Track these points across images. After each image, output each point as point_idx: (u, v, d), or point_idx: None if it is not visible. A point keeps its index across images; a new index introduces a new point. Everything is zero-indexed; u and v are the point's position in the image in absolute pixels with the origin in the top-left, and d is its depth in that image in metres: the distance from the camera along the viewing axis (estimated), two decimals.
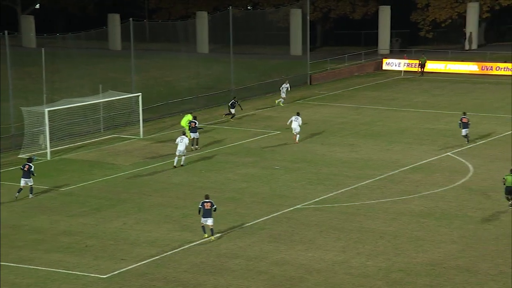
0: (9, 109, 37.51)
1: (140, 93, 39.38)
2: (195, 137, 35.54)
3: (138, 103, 39.11)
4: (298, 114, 37.03)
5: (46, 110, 35.02)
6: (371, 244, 23.75)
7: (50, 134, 35.19)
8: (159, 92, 49.72)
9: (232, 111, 40.57)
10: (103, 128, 39.52)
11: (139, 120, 38.93)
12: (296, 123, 36.33)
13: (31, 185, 28.74)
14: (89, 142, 37.30)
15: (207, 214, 24.21)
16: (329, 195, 28.83)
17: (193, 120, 35.69)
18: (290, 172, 32.00)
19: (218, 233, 24.78)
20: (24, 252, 23.54)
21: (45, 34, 53.86)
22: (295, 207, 27.49)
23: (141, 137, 38.63)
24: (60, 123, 37.00)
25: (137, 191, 29.79)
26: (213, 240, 24.17)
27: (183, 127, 36.50)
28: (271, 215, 26.57)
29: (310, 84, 53.98)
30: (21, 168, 28.99)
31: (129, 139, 38.01)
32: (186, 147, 32.69)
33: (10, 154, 35.72)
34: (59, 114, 36.66)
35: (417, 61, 57.04)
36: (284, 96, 45.78)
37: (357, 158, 33.96)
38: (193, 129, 35.47)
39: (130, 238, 24.57)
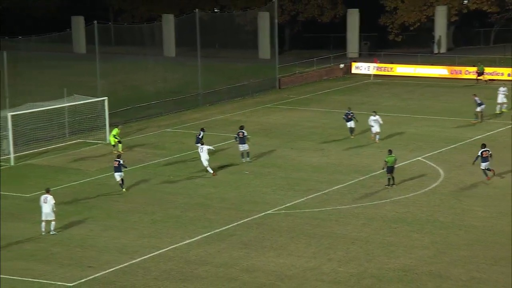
0: None
1: (106, 97, 39.11)
2: (244, 149, 33.44)
3: (104, 108, 38.80)
4: (375, 112, 36.87)
5: (9, 114, 34.56)
6: (342, 250, 23.89)
7: (13, 139, 34.71)
8: (125, 96, 49.38)
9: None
10: (68, 133, 39.14)
11: (105, 125, 38.62)
12: (375, 123, 36.34)
13: (121, 178, 29.52)
14: (54, 147, 36.88)
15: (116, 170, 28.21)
16: (299, 200, 28.92)
17: (241, 130, 33.50)
18: (260, 177, 32.02)
19: (187, 238, 24.68)
20: None
21: (6, 37, 53.11)
22: (266, 212, 27.52)
23: (107, 142, 38.33)
24: (24, 127, 36.52)
25: (104, 197, 29.55)
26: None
27: (111, 144, 34.45)
28: (241, 221, 26.56)
29: (279, 88, 54.15)
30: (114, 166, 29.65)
31: (95, 144, 37.67)
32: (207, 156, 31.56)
33: None
34: (23, 118, 36.20)
35: (387, 65, 57.66)
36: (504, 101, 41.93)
37: (327, 163, 34.13)
38: (241, 140, 33.42)
39: (98, 245, 24.36)
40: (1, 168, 33.72)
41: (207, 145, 32.75)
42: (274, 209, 27.87)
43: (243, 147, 34.14)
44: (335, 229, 25.70)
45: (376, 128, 36.97)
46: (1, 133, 35.26)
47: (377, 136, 36.92)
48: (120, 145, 35.02)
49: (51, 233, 25.24)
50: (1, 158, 34.60)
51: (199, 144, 32.83)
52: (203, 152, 32.02)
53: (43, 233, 25.17)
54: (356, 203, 28.39)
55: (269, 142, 38.27)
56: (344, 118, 38.30)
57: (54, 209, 25.41)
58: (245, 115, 45.21)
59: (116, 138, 35.23)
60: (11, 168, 33.92)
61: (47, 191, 25.63)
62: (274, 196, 29.44)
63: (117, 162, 30.17)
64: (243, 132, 34.19)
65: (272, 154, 35.86)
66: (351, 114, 38.02)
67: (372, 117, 37.09)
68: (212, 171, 32.02)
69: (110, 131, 36.06)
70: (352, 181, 31.13)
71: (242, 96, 50.61)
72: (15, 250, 23.89)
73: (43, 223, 25.30)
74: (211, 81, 52.12)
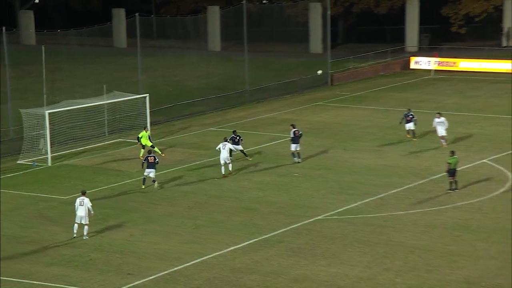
0: (7, 111, 37.77)
1: (147, 94, 39.52)
2: (297, 149, 33.64)
3: (145, 105, 39.22)
4: (439, 114, 35.94)
5: (47, 112, 35.21)
6: (400, 259, 23.62)
7: (51, 138, 35.36)
8: (167, 92, 49.86)
9: (239, 148, 34.12)
10: (108, 132, 39.66)
11: (146, 123, 39.02)
12: (439, 125, 35.56)
13: (154, 176, 30.38)
14: (92, 147, 37.44)
15: (151, 166, 29.41)
16: (353, 205, 28.73)
17: (297, 129, 33.83)
18: (310, 180, 31.93)
19: (233, 245, 24.74)
20: (23, 265, 23.66)
21: (45, 31, 54.22)
22: (316, 218, 27.43)
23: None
24: (62, 126, 37.18)
25: (145, 200, 29.86)
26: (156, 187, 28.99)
27: (147, 146, 34.25)
28: (290, 227, 26.51)
29: (331, 84, 53.89)
30: (144, 161, 30.65)
31: (136, 143, 38.06)
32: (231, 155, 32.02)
33: (8, 159, 35.92)
34: (61, 116, 36.84)
35: (449, 59, 56.74)
36: None
37: (383, 165, 33.80)
38: (296, 139, 33.58)
39: (138, 251, 24.61)
40: (36, 168, 34.41)
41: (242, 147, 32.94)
42: (325, 214, 27.75)
43: (296, 147, 34.06)
44: (392, 236, 25.43)
45: (441, 131, 35.74)
46: (38, 132, 35.96)
47: (443, 141, 35.78)
48: (142, 150, 34.87)
49: (84, 237, 25.55)
50: (38, 158, 35.29)
51: (224, 142, 32.44)
52: (224, 150, 32.10)
53: (74, 236, 25.53)
54: (414, 209, 28.04)
55: (320, 142, 38.11)
56: (402, 119, 37.66)
57: (92, 212, 25.72)
58: (294, 113, 45.13)
59: (140, 142, 34.89)
60: (48, 169, 34.59)
61: (83, 193, 26.01)
62: (325, 201, 29.31)
63: (153, 158, 30.71)
64: (299, 130, 34.10)
65: (323, 155, 35.71)
66: (411, 116, 37.20)
67: (436, 119, 35.98)
68: (223, 172, 31.94)
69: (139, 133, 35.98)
70: (410, 185, 30.75)
71: (292, 93, 50.53)
72: (52, 255, 24.33)
73: (76, 225, 25.64)
74: (259, 77, 52.18)
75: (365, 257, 23.83)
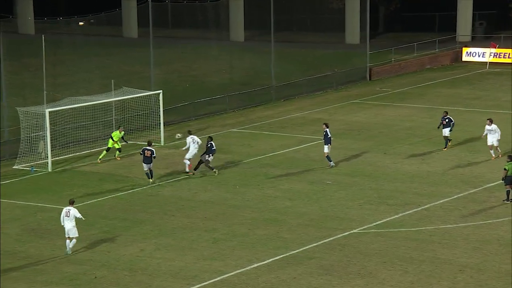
0: (2, 110, 38.23)
1: (161, 90, 39.81)
2: (326, 151, 33.96)
3: (158, 103, 39.49)
4: (490, 121, 34.69)
5: (47, 110, 35.58)
6: (448, 279, 23.52)
7: (51, 140, 35.73)
8: (183, 89, 50.14)
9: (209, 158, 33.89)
10: None
11: (159, 124, 39.29)
12: (491, 136, 34.41)
13: (150, 169, 32.25)
14: (98, 150, 37.76)
15: (147, 160, 31.43)
16: (394, 217, 28.66)
17: (328, 128, 33.92)
18: (345, 188, 31.92)
19: (256, 262, 24.80)
20: (20, 285, 23.91)
21: (45, 18, 54.83)
22: (351, 231, 27.41)
23: (162, 144, 38.99)
24: (64, 126, 37.58)
25: (158, 210, 30.05)
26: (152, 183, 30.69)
27: (113, 147, 35.52)
28: (322, 241, 26.52)
29: (370, 79, 53.88)
30: (141, 153, 32.54)
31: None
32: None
33: (3, 164, 36.37)
34: (63, 115, 37.24)
35: (507, 50, 56.28)
36: None
37: (429, 172, 33.68)
38: (328, 140, 33.83)
39: (149, 268, 24.77)
40: (35, 174, 34.76)
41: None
42: (361, 228, 27.70)
43: (329, 149, 34.11)
44: (439, 253, 25.33)
45: (491, 140, 34.59)
46: (37, 133, 36.35)
47: (491, 151, 34.64)
48: (117, 152, 35.62)
49: (66, 251, 25.67)
50: (37, 162, 35.69)
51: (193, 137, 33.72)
52: (194, 145, 33.41)
53: (68, 252, 25.64)
54: (465, 222, 27.90)
55: (357, 145, 38.06)
56: (440, 123, 36.69)
57: (83, 218, 25.87)
58: (327, 112, 45.14)
59: (114, 142, 35.58)
60: (48, 175, 34.97)
61: (71, 203, 26.16)
62: (361, 212, 29.27)
63: (150, 152, 32.04)
64: (328, 131, 34.15)
65: (360, 160, 35.65)
66: (447, 120, 36.36)
67: (487, 127, 35.11)
68: (187, 169, 33.22)
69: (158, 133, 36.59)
70: (460, 194, 30.62)
71: (324, 90, 50.58)
72: (52, 273, 24.58)
73: (68, 241, 25.82)
74: (287, 71, 52.28)
75: (408, 276, 23.74)
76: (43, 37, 38.06)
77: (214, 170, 33.71)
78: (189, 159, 33.86)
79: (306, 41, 63.82)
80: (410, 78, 53.85)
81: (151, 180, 32.52)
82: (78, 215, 25.86)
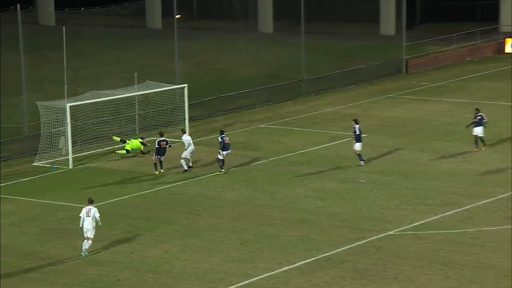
0: (22, 104, 38.47)
1: (186, 84, 39.85)
2: (360, 149, 33.97)
3: (183, 97, 39.53)
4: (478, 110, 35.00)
5: (68, 105, 35.77)
6: (491, 284, 23.33)
7: (72, 135, 35.90)
8: (209, 82, 50.18)
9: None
10: (139, 129, 40.11)
11: (184, 119, 39.34)
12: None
13: (161, 160, 33.32)
14: (121, 146, 37.86)
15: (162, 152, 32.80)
16: (432, 218, 28.46)
17: (357, 125, 34.00)
18: (380, 188, 31.77)
19: (286, 264, 24.72)
20: (40, 286, 24.05)
21: (66, 9, 55.11)
22: (387, 233, 27.26)
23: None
24: (85, 122, 37.75)
25: (183, 209, 30.09)
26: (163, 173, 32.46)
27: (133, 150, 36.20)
28: (356, 243, 26.41)
29: (406, 72, 53.55)
30: (156, 146, 33.52)
31: (172, 143, 38.32)
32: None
33: (23, 161, 36.65)
34: (84, 110, 37.41)
35: None
36: None
37: (470, 170, 33.43)
38: (358, 137, 33.62)
39: (174, 271, 24.79)
40: (56, 171, 34.97)
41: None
42: (398, 229, 27.54)
43: (360, 146, 33.96)
44: (481, 257, 25.10)
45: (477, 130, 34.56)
46: (57, 129, 36.54)
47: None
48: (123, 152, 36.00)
49: (82, 254, 25.78)
50: (58, 159, 35.88)
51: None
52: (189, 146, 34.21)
53: (81, 254, 25.70)
54: (509, 224, 27.66)
55: (392, 142, 37.83)
56: (472, 122, 36.02)
57: (100, 223, 26.00)
58: (361, 107, 44.93)
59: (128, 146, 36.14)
60: (69, 172, 35.14)
61: (91, 202, 26.27)
62: (398, 212, 29.09)
63: (165, 142, 33.33)
64: (357, 128, 34.01)
65: (396, 158, 35.46)
66: (480, 117, 35.77)
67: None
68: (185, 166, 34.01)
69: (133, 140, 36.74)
70: (504, 195, 30.36)
71: (358, 83, 50.33)
72: (74, 275, 24.69)
73: (85, 242, 25.90)
74: (318, 64, 52.11)
75: (448, 281, 23.55)
76: (63, 28, 38.17)
77: (222, 169, 33.59)
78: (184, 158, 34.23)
79: (338, 32, 63.59)
80: (449, 71, 53.43)
81: (162, 171, 33.43)
82: (97, 215, 25.92)
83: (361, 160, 34.19)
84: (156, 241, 27.06)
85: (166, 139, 34.05)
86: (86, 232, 25.83)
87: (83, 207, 26.39)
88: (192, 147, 34.39)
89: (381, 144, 37.46)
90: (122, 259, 25.66)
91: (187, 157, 34.26)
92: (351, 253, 25.71)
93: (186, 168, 34.12)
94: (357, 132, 34.10)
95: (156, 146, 33.81)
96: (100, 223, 26.06)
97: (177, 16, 43.31)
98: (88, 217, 25.85)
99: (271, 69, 52.61)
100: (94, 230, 25.87)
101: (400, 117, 42.53)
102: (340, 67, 51.70)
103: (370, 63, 51.74)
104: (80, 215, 26.07)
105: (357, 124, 34.32)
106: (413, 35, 58.47)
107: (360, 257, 25.38)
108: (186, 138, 34.62)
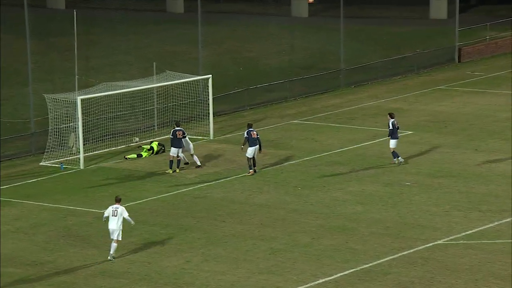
0: (28, 97, 38.82)
1: (210, 75, 40.00)
2: (392, 146, 34.28)
3: (207, 89, 39.69)
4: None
5: (79, 98, 36.02)
6: None
7: (84, 132, 36.17)
8: (237, 73, 50.32)
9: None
10: (158, 125, 40.34)
11: (208, 114, 39.48)
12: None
13: (179, 159, 34.01)
14: (137, 144, 38.12)
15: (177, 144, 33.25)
16: (487, 226, 28.37)
17: (393, 119, 34.27)
18: (428, 191, 31.72)
19: (321, 276, 24.78)
20: None
21: None
22: (436, 242, 27.21)
23: (211, 137, 39.19)
24: (98, 117, 38.00)
25: (206, 214, 30.23)
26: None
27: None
28: (400, 254, 26.38)
29: (459, 61, 53.35)
30: (171, 136, 33.89)
31: (195, 140, 38.58)
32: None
33: (29, 160, 36.99)
34: (97, 104, 37.67)
35: None
36: None
37: None
38: (395, 132, 33.97)
39: (196, 283, 24.94)
40: (65, 172, 35.27)
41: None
42: (448, 238, 27.49)
43: (395, 144, 34.05)
44: None
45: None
46: (67, 124, 36.83)
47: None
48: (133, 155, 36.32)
49: (109, 258, 26.17)
50: (67, 158, 36.17)
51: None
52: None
53: (111, 258, 26.12)
54: None
55: (442, 140, 37.75)
56: None
57: (132, 222, 26.37)
58: (407, 101, 44.83)
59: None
60: (80, 173, 35.42)
61: (118, 201, 26.60)
62: (448, 219, 29.03)
63: (181, 132, 33.68)
64: (391, 123, 34.09)
65: (446, 158, 35.38)
66: None
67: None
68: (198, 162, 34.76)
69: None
70: None
71: (404, 74, 50.24)
72: (84, 287, 24.88)
73: (114, 244, 26.29)
74: (358, 52, 52.07)
75: None
76: (74, 12, 38.39)
77: (250, 170, 33.67)
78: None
79: (381, 17, 63.47)
80: (508, 59, 53.07)
81: (177, 171, 33.86)
82: (126, 215, 26.27)
83: (394, 158, 34.10)
84: (176, 250, 27.22)
85: (182, 129, 34.28)
86: (112, 233, 26.16)
87: (95, 211, 26.62)
88: (191, 144, 34.93)
89: (429, 142, 37.34)
90: (138, 270, 25.85)
91: (191, 153, 34.78)
92: (395, 265, 25.66)
93: (199, 163, 34.66)
94: (391, 127, 34.07)
95: (171, 136, 34.00)
96: (132, 222, 26.39)
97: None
98: (114, 217, 26.19)
99: (306, 58, 52.66)
100: (121, 231, 26.15)
101: (451, 112, 42.35)
102: (383, 56, 51.63)
103: (418, 51, 51.62)
104: (105, 214, 26.43)
105: (392, 118, 34.38)
106: (468, 19, 58.23)
107: (405, 269, 25.33)
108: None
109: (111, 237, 26.26)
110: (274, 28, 58.32)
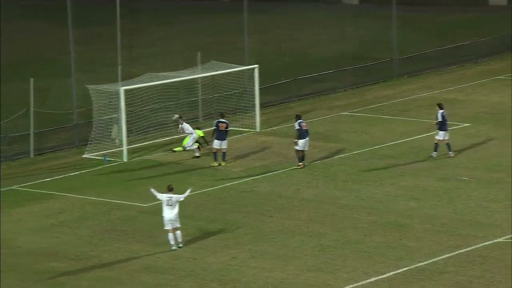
0: (70, 88, 39.14)
1: (257, 65, 40.02)
2: (445, 138, 34.37)
3: (253, 80, 39.72)
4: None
5: (122, 89, 36.29)
6: None
7: (127, 124, 36.41)
8: (284, 63, 50.25)
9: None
10: (203, 117, 40.46)
11: (254, 105, 39.53)
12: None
13: (224, 151, 34.11)
14: (182, 136, 38.27)
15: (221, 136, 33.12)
16: None
17: (442, 110, 34.41)
18: (486, 186, 31.51)
19: (373, 275, 24.73)
20: None
21: None
22: (495, 240, 27.02)
23: (258, 130, 39.23)
24: (142, 108, 38.20)
25: (253, 209, 30.31)
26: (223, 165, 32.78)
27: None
28: (456, 252, 26.25)
29: None
30: (214, 127, 34.03)
31: (241, 132, 38.68)
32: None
33: (71, 152, 37.39)
34: (140, 95, 37.89)
35: None
36: None
37: None
38: (443, 125, 34.17)
39: (243, 280, 25.03)
40: (108, 165, 35.55)
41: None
42: (508, 236, 27.27)
43: (444, 136, 33.84)
44: None
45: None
46: (110, 116, 37.08)
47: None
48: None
49: (178, 246, 26.67)
50: (110, 151, 36.44)
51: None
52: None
53: (173, 248, 26.55)
54: None
55: (501, 132, 37.43)
56: None
57: (188, 192, 26.87)
58: (463, 92, 44.46)
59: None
60: (123, 166, 35.67)
61: (170, 190, 26.90)
62: (508, 216, 28.81)
63: (225, 125, 33.83)
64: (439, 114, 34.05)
65: (505, 152, 35.07)
66: None
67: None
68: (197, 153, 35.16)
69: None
70: None
71: (460, 64, 49.78)
72: (129, 283, 25.11)
73: (170, 234, 26.60)
74: (412, 40, 51.73)
75: None
76: (117, 1, 38.67)
77: (300, 163, 33.71)
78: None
79: (436, 3, 62.87)
80: None
81: (222, 163, 34.07)
82: (182, 197, 26.74)
83: (434, 151, 33.82)
84: (222, 246, 27.34)
85: (227, 122, 34.39)
86: (167, 223, 26.56)
87: (138, 205, 26.80)
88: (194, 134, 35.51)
89: (488, 134, 37.03)
90: (183, 266, 26.00)
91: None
92: (451, 263, 25.54)
93: (198, 154, 35.27)
94: (440, 119, 33.85)
95: (214, 127, 34.10)
96: (188, 191, 26.90)
97: None
98: (169, 206, 26.56)
99: (356, 47, 52.42)
100: (178, 218, 26.59)
101: (510, 104, 41.91)
102: (438, 45, 51.19)
103: (475, 39, 51.07)
104: (157, 195, 26.84)
105: (441, 109, 34.22)
106: None
107: (462, 268, 25.20)
108: (186, 125, 35.63)
109: (166, 228, 26.55)
110: (323, 16, 58.09)
